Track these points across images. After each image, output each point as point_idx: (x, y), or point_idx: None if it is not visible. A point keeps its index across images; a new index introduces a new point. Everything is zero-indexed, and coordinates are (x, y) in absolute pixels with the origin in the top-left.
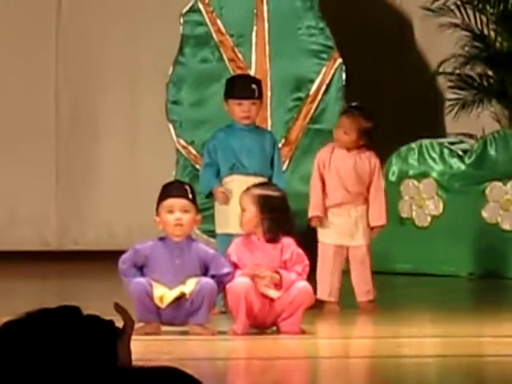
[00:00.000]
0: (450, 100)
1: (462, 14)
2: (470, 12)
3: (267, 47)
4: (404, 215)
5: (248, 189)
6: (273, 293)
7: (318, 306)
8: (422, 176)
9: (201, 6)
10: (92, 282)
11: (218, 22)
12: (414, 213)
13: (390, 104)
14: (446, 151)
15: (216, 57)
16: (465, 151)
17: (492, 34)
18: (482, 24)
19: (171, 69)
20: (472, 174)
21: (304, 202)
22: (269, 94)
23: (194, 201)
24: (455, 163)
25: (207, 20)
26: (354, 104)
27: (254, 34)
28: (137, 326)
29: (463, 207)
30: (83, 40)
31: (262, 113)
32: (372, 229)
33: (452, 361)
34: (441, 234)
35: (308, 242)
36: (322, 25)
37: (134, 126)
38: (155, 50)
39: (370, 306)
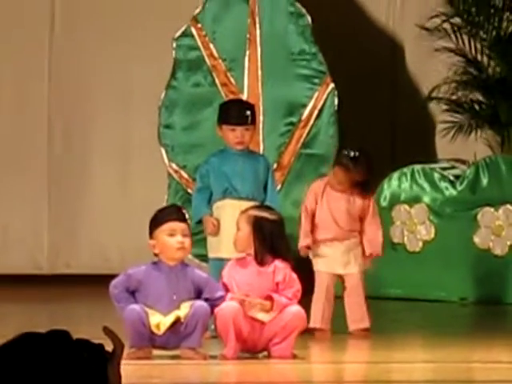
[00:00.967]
0: (446, 122)
1: (456, 39)
2: (465, 37)
3: (260, 72)
4: (396, 240)
5: (247, 209)
6: (263, 316)
7: (308, 331)
8: (413, 201)
9: (193, 31)
10: (84, 306)
11: (211, 46)
12: (405, 238)
13: (382, 129)
14: (437, 176)
15: (208, 81)
16: (456, 177)
17: (485, 59)
18: (475, 50)
19: (164, 93)
20: (464, 199)
21: (296, 226)
22: (261, 118)
23: (190, 227)
24: (447, 188)
25: (200, 44)
26: (352, 154)
27: (246, 58)
28: (129, 350)
29: (455, 232)
30: (76, 65)
31: (255, 137)
32: (368, 257)
33: None
34: (432, 259)
35: (303, 267)
36: (314, 50)
37: (127, 149)
38: (148, 74)
39: (364, 335)
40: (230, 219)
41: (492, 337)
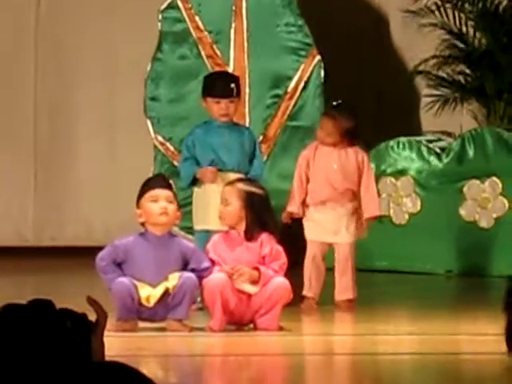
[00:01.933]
0: (430, 96)
1: (440, 14)
2: (449, 11)
3: (246, 44)
4: (381, 213)
5: (232, 182)
6: (249, 288)
7: (295, 303)
8: (399, 174)
9: (179, 3)
10: (69, 278)
11: (197, 18)
12: (391, 210)
13: (368, 102)
14: (423, 149)
15: (194, 53)
16: (442, 149)
17: (471, 32)
18: (460, 22)
19: (149, 65)
20: (450, 171)
21: (282, 198)
22: (247, 90)
23: (175, 195)
24: (433, 161)
25: (185, 16)
26: (335, 103)
27: (232, 30)
28: (115, 322)
29: (441, 205)
30: (61, 38)
31: (240, 109)
32: (366, 220)
33: (428, 358)
34: (418, 232)
35: (288, 239)
36: (300, 22)
37: (113, 122)
38: (133, 47)
39: (348, 306)
40: (217, 191)
41: (477, 309)
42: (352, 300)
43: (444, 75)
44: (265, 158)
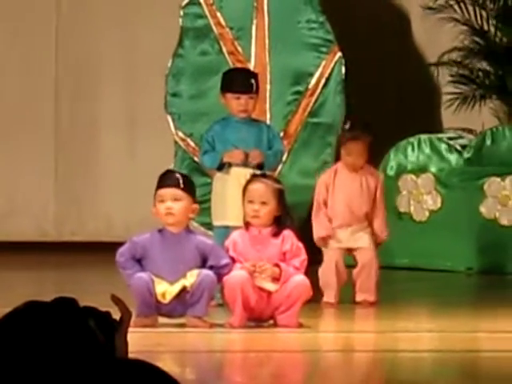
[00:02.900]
0: (450, 94)
1: (461, 10)
2: (470, 8)
3: (267, 40)
4: (402, 210)
5: (260, 180)
6: (270, 286)
7: (315, 300)
8: (420, 171)
9: None
10: (90, 273)
11: (218, 14)
12: (412, 207)
13: (389, 99)
14: (444, 146)
15: (215, 49)
16: (463, 146)
17: (492, 29)
18: (481, 19)
19: (170, 61)
20: (470, 169)
21: (302, 194)
22: (268, 87)
23: (187, 189)
24: (454, 158)
25: (207, 12)
26: (348, 126)
27: (253, 27)
28: (135, 318)
29: (461, 202)
30: (83, 33)
31: (261, 106)
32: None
33: (448, 356)
34: (439, 229)
35: (306, 235)
36: (321, 19)
37: (133, 118)
38: (155, 43)
39: (368, 306)
40: (236, 187)
41: (498, 306)
42: (373, 303)
43: (465, 72)
44: (285, 154)
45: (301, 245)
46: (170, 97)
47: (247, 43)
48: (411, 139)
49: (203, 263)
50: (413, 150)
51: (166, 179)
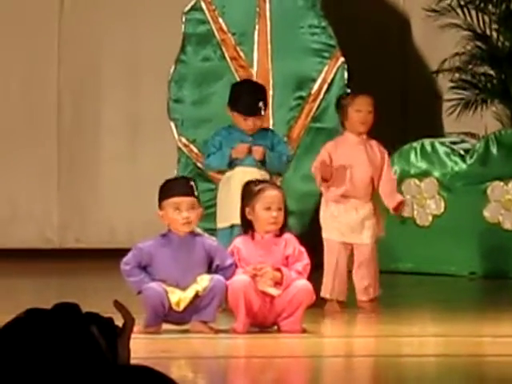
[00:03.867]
0: (452, 100)
1: (464, 14)
2: (473, 12)
3: (269, 46)
4: (405, 214)
5: (270, 187)
6: (273, 290)
7: (319, 305)
8: (423, 175)
9: (203, 5)
10: (93, 280)
11: (220, 20)
12: (415, 212)
13: (392, 103)
14: (447, 151)
15: (218, 55)
16: (466, 151)
17: (494, 33)
18: (484, 24)
19: (173, 67)
20: (473, 173)
21: (305, 200)
22: (271, 92)
23: (199, 196)
24: (457, 163)
25: (209, 18)
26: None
27: (256, 32)
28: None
29: (465, 207)
30: (85, 39)
31: None
32: (395, 210)
33: (452, 360)
34: (442, 234)
35: (310, 241)
36: (324, 24)
37: (136, 124)
38: (157, 49)
39: (370, 306)
40: (241, 186)
41: (501, 311)
42: (374, 300)
43: (468, 77)
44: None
45: (303, 249)
46: (173, 103)
47: (250, 49)
48: (414, 144)
49: (210, 264)
50: (416, 154)
51: (180, 186)
